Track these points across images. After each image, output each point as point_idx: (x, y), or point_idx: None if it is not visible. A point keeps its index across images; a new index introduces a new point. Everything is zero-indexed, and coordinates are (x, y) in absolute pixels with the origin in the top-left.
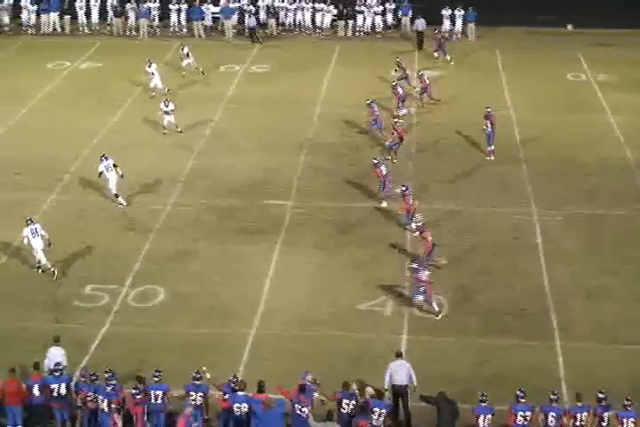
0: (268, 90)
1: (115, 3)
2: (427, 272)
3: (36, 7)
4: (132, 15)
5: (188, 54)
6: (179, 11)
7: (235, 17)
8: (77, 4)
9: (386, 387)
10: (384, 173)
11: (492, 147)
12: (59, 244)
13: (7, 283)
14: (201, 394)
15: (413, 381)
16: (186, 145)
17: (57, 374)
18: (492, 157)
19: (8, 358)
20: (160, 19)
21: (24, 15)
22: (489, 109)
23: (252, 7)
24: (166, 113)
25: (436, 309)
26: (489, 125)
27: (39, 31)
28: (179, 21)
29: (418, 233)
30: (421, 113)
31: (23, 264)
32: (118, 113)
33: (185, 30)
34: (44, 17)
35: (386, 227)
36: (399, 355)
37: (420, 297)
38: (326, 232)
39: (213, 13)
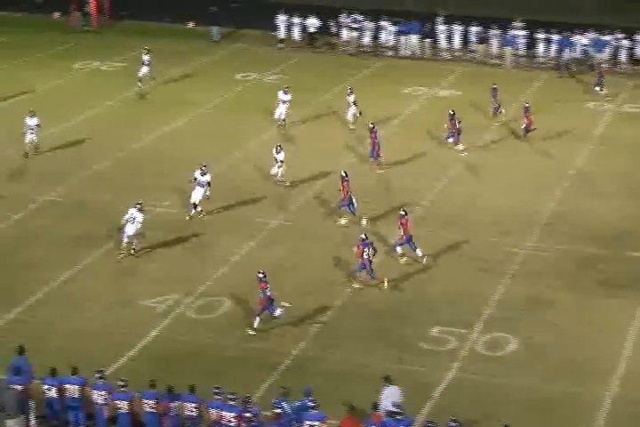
0: (638, 131)
1: (477, 28)
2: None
3: (396, 28)
4: (495, 42)
5: (354, 103)
6: (547, 40)
7: (607, 50)
8: (439, 28)
9: None
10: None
11: None
12: (406, 280)
13: (349, 317)
14: None
15: None
16: (547, 186)
17: (398, 417)
18: None
19: (346, 394)
20: (527, 47)
21: (383, 36)
22: None
23: (626, 41)
24: (276, 160)
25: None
26: None
27: (398, 53)
28: (546, 52)
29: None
30: None
31: (367, 301)
32: (476, 146)
33: (552, 62)
34: (403, 39)
35: None
36: None
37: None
38: None
39: (583, 45)
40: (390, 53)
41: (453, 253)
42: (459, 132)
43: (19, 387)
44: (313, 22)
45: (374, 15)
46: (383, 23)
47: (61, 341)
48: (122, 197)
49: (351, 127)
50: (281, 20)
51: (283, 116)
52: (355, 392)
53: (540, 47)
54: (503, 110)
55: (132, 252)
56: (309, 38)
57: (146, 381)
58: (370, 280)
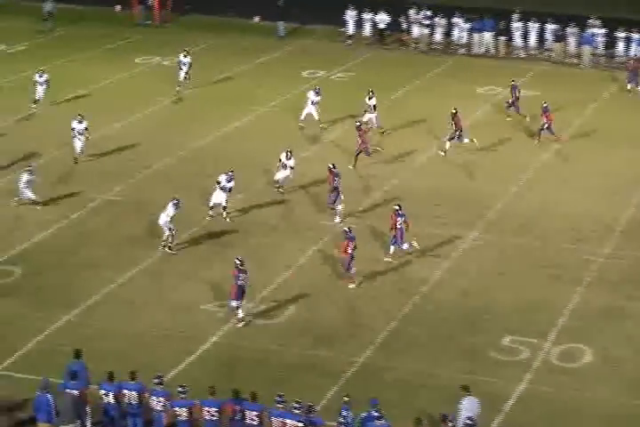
0: None
1: (554, 26)
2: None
3: (469, 25)
4: (572, 40)
5: (374, 107)
6: (627, 39)
7: None
8: (514, 25)
9: None
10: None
11: None
12: (476, 287)
13: (417, 325)
14: None
15: None
16: (624, 191)
17: None
18: None
19: (413, 405)
20: (606, 46)
21: (455, 33)
22: None
23: None
24: (283, 167)
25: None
26: None
27: (470, 51)
28: (626, 51)
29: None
30: None
31: (436, 309)
32: (551, 149)
33: (632, 62)
34: (476, 36)
35: None
36: None
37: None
38: None
39: None
40: (463, 51)
41: (526, 259)
42: (456, 132)
43: (75, 392)
44: (383, 18)
45: (446, 11)
46: (456, 20)
47: (119, 344)
48: (182, 197)
49: (382, 131)
50: (350, 15)
51: (316, 117)
52: (423, 403)
53: (620, 46)
54: (511, 113)
55: (167, 245)
56: (379, 35)
57: (206, 387)
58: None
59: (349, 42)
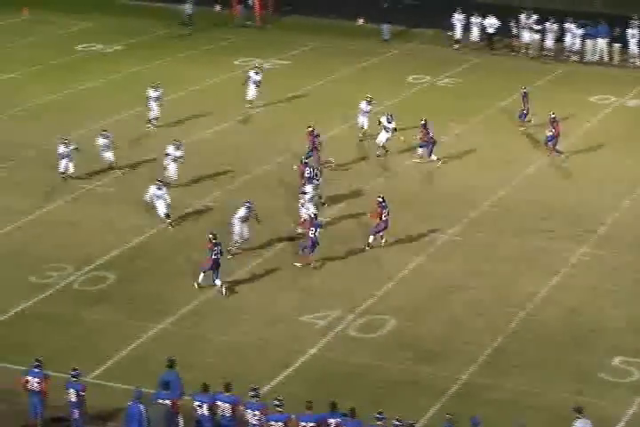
0: None
1: None
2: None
3: (582, 31)
4: None
5: (395, 129)
6: None
7: None
8: (630, 32)
9: None
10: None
11: None
12: (586, 305)
13: (524, 342)
14: None
15: None
16: None
17: None
18: None
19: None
20: None
21: (567, 39)
22: None
23: None
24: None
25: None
26: None
27: (583, 58)
28: None
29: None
30: None
31: (544, 326)
32: None
33: None
34: (589, 43)
35: None
36: None
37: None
38: None
39: None
40: (575, 58)
41: (635, 275)
42: (433, 142)
43: (167, 402)
44: (492, 22)
45: (559, 16)
46: (568, 25)
47: (214, 355)
48: (280, 205)
49: (377, 153)
50: (457, 18)
51: (365, 126)
52: (528, 424)
53: None
54: (532, 119)
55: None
56: (487, 39)
57: (302, 401)
58: (309, 257)
59: (456, 46)
